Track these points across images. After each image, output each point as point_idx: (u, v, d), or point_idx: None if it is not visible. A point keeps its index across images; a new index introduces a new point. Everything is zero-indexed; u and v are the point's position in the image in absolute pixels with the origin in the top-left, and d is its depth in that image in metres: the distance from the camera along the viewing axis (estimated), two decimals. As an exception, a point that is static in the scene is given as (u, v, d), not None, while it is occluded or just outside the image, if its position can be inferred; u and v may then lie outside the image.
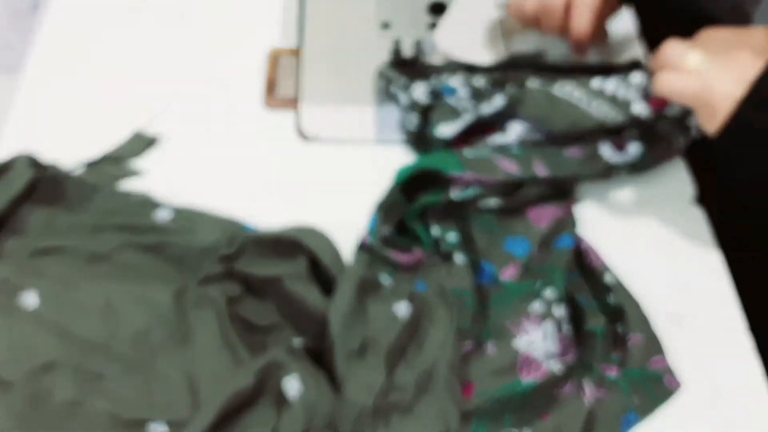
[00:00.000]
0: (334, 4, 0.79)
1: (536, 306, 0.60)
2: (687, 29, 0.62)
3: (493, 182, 0.63)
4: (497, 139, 0.67)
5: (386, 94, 0.72)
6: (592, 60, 0.73)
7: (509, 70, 0.70)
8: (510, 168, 0.63)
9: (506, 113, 0.67)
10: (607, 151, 0.65)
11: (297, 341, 0.57)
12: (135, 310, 0.57)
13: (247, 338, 0.57)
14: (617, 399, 0.57)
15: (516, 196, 0.64)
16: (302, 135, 0.71)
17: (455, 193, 0.63)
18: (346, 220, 0.62)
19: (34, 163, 0.62)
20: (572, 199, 0.67)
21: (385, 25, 0.78)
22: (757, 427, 0.57)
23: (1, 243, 0.60)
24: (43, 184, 0.62)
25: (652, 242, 0.66)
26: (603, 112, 0.64)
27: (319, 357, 0.55)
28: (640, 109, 0.64)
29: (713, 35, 0.60)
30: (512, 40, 0.75)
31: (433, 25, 0.77)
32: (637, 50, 0.77)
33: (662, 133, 0.66)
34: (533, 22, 0.71)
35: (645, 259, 0.64)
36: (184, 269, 0.60)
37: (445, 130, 0.67)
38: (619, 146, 0.65)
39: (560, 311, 0.60)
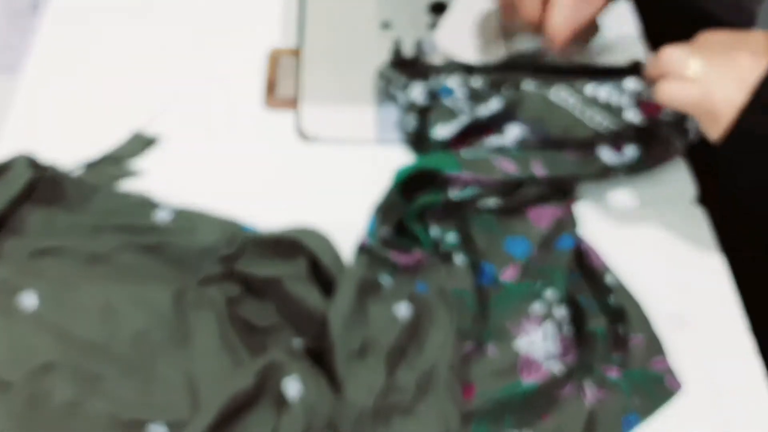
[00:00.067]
0: (334, 4, 0.79)
1: (537, 307, 0.60)
2: (689, 28, 0.62)
3: (491, 182, 0.63)
4: (495, 140, 0.68)
5: (386, 95, 0.71)
6: (590, 60, 0.73)
7: (506, 72, 0.69)
8: (508, 168, 0.63)
9: (504, 115, 0.67)
10: (604, 152, 0.66)
11: (297, 342, 0.57)
12: (134, 311, 0.57)
13: (247, 339, 0.57)
14: (618, 400, 0.57)
15: (515, 196, 0.64)
16: (302, 135, 0.70)
17: (454, 193, 0.63)
18: (346, 220, 0.62)
19: (33, 163, 0.62)
20: (572, 199, 0.66)
21: (386, 25, 0.78)
22: (758, 428, 0.57)
23: (0, 243, 0.60)
24: (43, 184, 0.62)
25: (653, 243, 0.66)
26: (596, 122, 0.65)
27: (319, 358, 0.55)
28: (632, 116, 0.64)
29: (711, 39, 0.60)
30: (512, 40, 0.75)
31: (433, 25, 0.77)
32: (638, 50, 0.77)
33: (660, 136, 0.66)
34: (510, 13, 0.69)
35: (646, 259, 0.64)
36: (184, 270, 0.60)
37: (442, 131, 0.67)
38: (617, 147, 0.65)
39: (561, 312, 0.60)
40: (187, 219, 0.62)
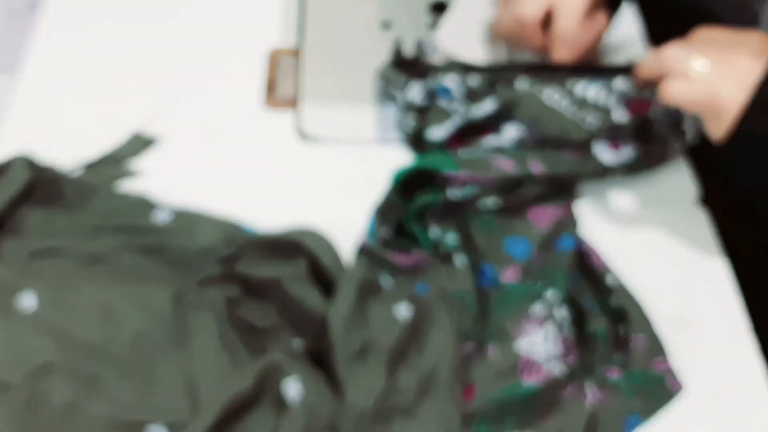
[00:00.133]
0: (334, 4, 0.79)
1: (537, 308, 0.60)
2: (691, 28, 0.62)
3: (489, 180, 0.63)
4: (492, 140, 0.68)
5: (385, 95, 0.71)
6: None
7: (503, 70, 0.70)
8: (506, 166, 0.63)
9: (501, 115, 0.67)
10: (601, 152, 0.65)
11: (297, 343, 0.57)
12: (134, 312, 0.57)
13: (247, 340, 0.57)
14: (619, 401, 0.56)
15: (515, 195, 0.64)
16: (302, 135, 0.70)
17: (453, 193, 0.63)
18: (346, 220, 0.62)
19: (31, 164, 0.62)
20: (572, 199, 0.66)
21: (386, 25, 0.78)
22: (759, 429, 0.57)
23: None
24: (41, 185, 0.62)
25: (654, 243, 0.66)
26: (589, 124, 0.65)
27: (319, 359, 0.55)
28: (619, 116, 0.65)
29: (708, 36, 0.60)
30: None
31: (433, 25, 0.77)
32: (639, 49, 0.77)
33: (657, 137, 0.66)
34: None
35: (647, 260, 0.64)
36: (183, 271, 0.59)
37: (436, 132, 0.67)
38: (614, 146, 0.65)
39: (561, 313, 0.60)
40: (186, 220, 0.62)
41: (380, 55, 0.73)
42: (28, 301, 0.57)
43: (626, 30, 0.78)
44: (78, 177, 0.64)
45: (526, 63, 0.71)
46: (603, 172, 0.66)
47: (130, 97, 0.72)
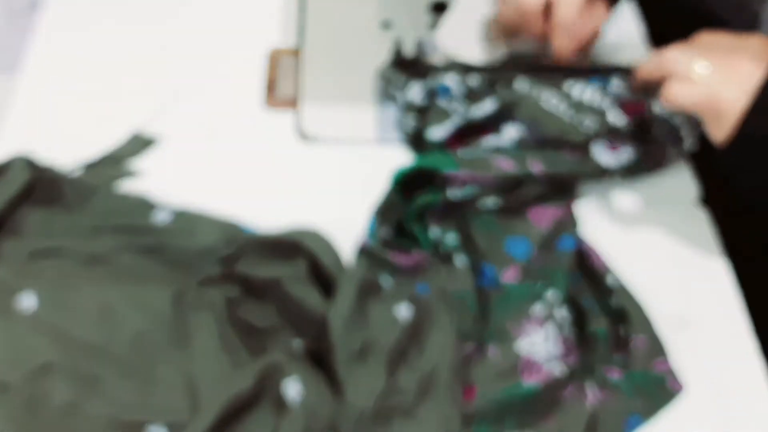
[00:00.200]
0: (334, 4, 0.79)
1: (538, 308, 0.60)
2: (692, 29, 0.62)
3: (489, 180, 0.63)
4: (492, 140, 0.68)
5: (385, 95, 0.71)
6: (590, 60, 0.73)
7: (502, 71, 0.70)
8: (506, 165, 0.63)
9: (500, 115, 0.67)
10: (599, 153, 0.65)
11: (297, 343, 0.57)
12: (134, 312, 0.57)
13: (247, 340, 0.57)
14: (620, 401, 0.56)
15: (515, 195, 0.64)
16: (302, 135, 0.70)
17: (453, 193, 0.63)
18: (346, 220, 0.62)
19: (31, 164, 0.62)
20: (572, 199, 0.66)
21: (386, 25, 0.77)
22: (759, 429, 0.57)
23: (-1, 244, 0.60)
24: (41, 185, 0.62)
25: (655, 244, 0.65)
26: (586, 127, 0.66)
27: (319, 359, 0.55)
28: (614, 117, 0.65)
29: (710, 40, 0.60)
30: (512, 40, 0.75)
31: (433, 25, 0.77)
32: (640, 50, 0.77)
33: (657, 141, 0.66)
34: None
35: (647, 260, 0.64)
36: (183, 271, 0.59)
37: (436, 132, 0.67)
38: (612, 148, 0.66)
39: (562, 313, 0.59)
40: (186, 220, 0.62)
41: (380, 55, 0.73)
42: (27, 301, 0.57)
43: (627, 30, 0.78)
44: (78, 177, 0.64)
45: (525, 62, 0.71)
46: (602, 174, 0.66)
47: (130, 97, 0.72)
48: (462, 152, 0.67)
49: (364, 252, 0.59)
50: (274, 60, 0.75)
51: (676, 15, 0.76)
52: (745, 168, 0.61)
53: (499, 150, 0.66)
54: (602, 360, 0.58)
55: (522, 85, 0.68)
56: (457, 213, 0.64)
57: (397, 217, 0.62)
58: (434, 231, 0.63)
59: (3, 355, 0.55)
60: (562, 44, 0.68)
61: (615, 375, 0.57)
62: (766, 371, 0.59)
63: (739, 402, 0.58)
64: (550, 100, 0.67)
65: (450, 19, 0.76)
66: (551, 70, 0.69)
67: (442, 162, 0.63)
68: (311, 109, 0.71)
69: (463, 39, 0.75)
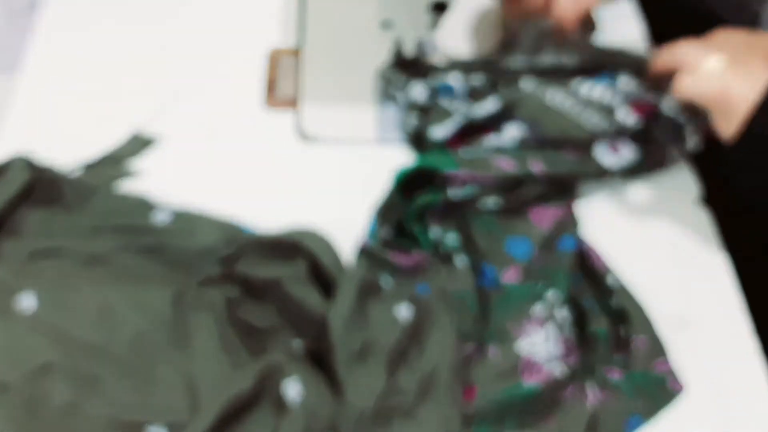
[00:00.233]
0: (334, 4, 0.79)
1: (538, 308, 0.60)
2: (693, 28, 0.62)
3: (489, 180, 0.63)
4: (493, 139, 0.67)
5: (386, 95, 0.71)
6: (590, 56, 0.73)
7: (504, 71, 0.69)
8: (506, 165, 0.63)
9: (502, 115, 0.67)
10: (600, 153, 0.65)
11: (297, 343, 0.57)
12: (133, 312, 0.57)
13: (247, 340, 0.57)
14: (620, 402, 0.56)
15: (515, 195, 0.64)
16: (302, 135, 0.70)
17: (453, 192, 0.62)
18: (346, 220, 0.62)
19: (30, 165, 0.62)
20: (573, 199, 0.66)
21: (386, 25, 0.77)
22: (760, 430, 0.57)
23: (-1, 244, 0.60)
24: (41, 185, 0.62)
25: (656, 243, 0.65)
26: (593, 123, 0.65)
27: (319, 359, 0.55)
28: (623, 115, 0.65)
29: (726, 38, 0.61)
30: (513, 39, 0.75)
31: (433, 25, 0.77)
32: (641, 50, 0.76)
33: (658, 141, 0.66)
34: (521, 11, 0.70)
35: (648, 260, 0.64)
36: (183, 271, 0.59)
37: (438, 131, 0.67)
38: (613, 149, 0.65)
39: (562, 313, 0.59)
40: (186, 220, 0.62)
41: (380, 55, 0.73)
42: (27, 301, 0.57)
43: (627, 30, 0.78)
44: (78, 177, 0.64)
45: (529, 61, 0.71)
46: (602, 174, 0.66)
47: (130, 97, 0.71)
48: (462, 152, 0.66)
49: (365, 252, 0.59)
50: (274, 60, 0.75)
51: (676, 15, 0.76)
52: (746, 168, 0.61)
53: (499, 150, 0.66)
54: (603, 360, 0.58)
55: (527, 83, 0.68)
56: (457, 213, 0.64)
57: (398, 217, 0.62)
58: (435, 231, 0.63)
59: (3, 356, 0.55)
60: (565, 6, 0.66)
61: (615, 375, 0.57)
62: (766, 371, 0.59)
63: (739, 402, 0.57)
64: (555, 96, 0.67)
65: (451, 19, 0.76)
66: (557, 69, 0.69)
67: (442, 162, 0.63)
68: (311, 109, 0.71)
69: (464, 39, 0.75)
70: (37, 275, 0.58)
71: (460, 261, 0.61)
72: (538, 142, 0.67)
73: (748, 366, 0.59)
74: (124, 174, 0.66)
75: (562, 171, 0.65)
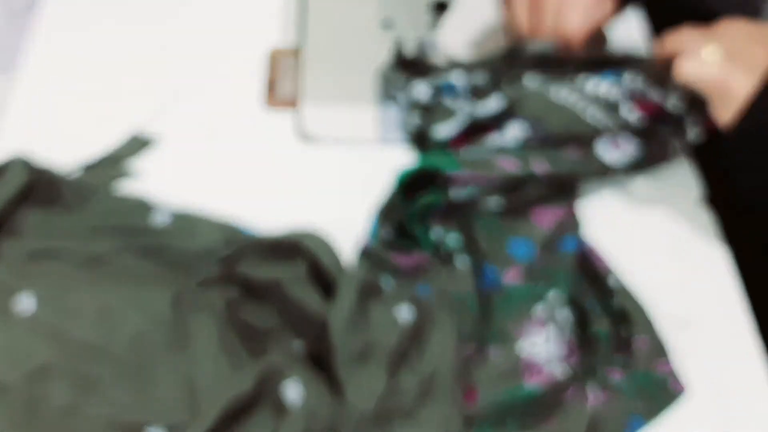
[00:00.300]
0: (334, 4, 0.79)
1: (539, 309, 0.59)
2: (694, 26, 0.62)
3: (492, 180, 0.63)
4: (496, 138, 0.67)
5: (386, 95, 0.71)
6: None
7: (508, 67, 0.69)
8: (508, 165, 0.63)
9: (504, 113, 0.67)
10: (603, 151, 0.65)
11: (297, 345, 0.57)
12: (133, 313, 0.57)
13: (247, 342, 0.57)
14: (621, 403, 0.56)
15: (517, 196, 0.64)
16: (303, 135, 0.70)
17: (455, 193, 0.62)
18: (346, 220, 0.62)
19: (29, 165, 0.62)
20: (574, 199, 0.66)
21: (386, 25, 0.77)
22: (761, 430, 0.57)
23: (-2, 245, 0.59)
24: (40, 186, 0.61)
25: (657, 243, 0.65)
26: (597, 119, 0.65)
27: (319, 361, 0.55)
28: (626, 111, 0.65)
29: (731, 28, 0.61)
30: (515, 40, 0.75)
31: (434, 25, 0.76)
32: (642, 50, 0.76)
33: (659, 136, 0.66)
34: (528, 29, 0.70)
35: (650, 260, 0.64)
36: (183, 272, 0.59)
37: (441, 131, 0.67)
38: (615, 145, 0.65)
39: (564, 314, 0.59)
40: (185, 221, 0.62)
41: (381, 55, 0.73)
42: (26, 302, 0.57)
43: (628, 30, 0.78)
44: (77, 178, 0.64)
45: (532, 58, 0.71)
46: (605, 172, 0.66)
47: (130, 97, 0.71)
48: (464, 152, 0.66)
49: (365, 253, 0.59)
50: (274, 60, 0.75)
51: (677, 14, 0.75)
52: (747, 168, 0.61)
53: (502, 150, 0.66)
54: (604, 361, 0.58)
55: (531, 81, 0.67)
56: (459, 213, 0.64)
57: (399, 218, 0.62)
58: (436, 231, 0.63)
59: (2, 356, 0.55)
60: (573, 24, 0.66)
61: (617, 376, 0.57)
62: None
63: (740, 402, 0.57)
64: (559, 92, 0.67)
65: (452, 19, 0.76)
66: (562, 64, 0.69)
67: (443, 162, 0.62)
68: (311, 109, 0.71)
69: (465, 38, 0.75)
70: (36, 276, 0.58)
71: (461, 262, 0.61)
72: (540, 140, 0.66)
73: (749, 366, 0.59)
74: (124, 174, 0.66)
75: (565, 170, 0.65)
